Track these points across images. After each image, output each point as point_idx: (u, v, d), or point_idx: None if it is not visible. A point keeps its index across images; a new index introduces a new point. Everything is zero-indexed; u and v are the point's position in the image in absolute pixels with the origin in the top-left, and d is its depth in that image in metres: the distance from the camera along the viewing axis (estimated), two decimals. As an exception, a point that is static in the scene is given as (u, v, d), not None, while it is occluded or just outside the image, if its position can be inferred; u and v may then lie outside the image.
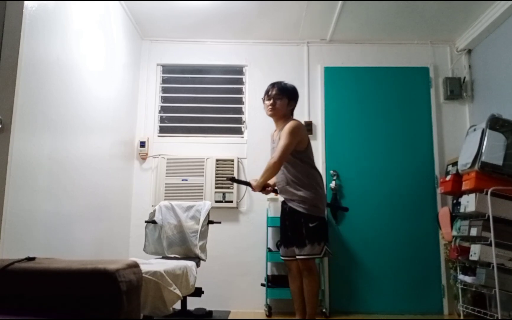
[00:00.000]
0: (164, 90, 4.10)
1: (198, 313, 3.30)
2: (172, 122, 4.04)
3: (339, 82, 3.99)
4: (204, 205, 3.24)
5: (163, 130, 4.02)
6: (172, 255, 3.12)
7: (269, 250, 3.59)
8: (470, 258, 2.91)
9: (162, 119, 4.04)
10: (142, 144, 3.87)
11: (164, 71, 4.12)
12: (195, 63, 4.10)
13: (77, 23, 2.64)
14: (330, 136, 3.90)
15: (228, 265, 3.71)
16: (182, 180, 3.79)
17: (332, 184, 3.77)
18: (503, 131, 2.93)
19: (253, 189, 2.60)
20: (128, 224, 3.74)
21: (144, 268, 1.89)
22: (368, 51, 4.06)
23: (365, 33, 3.95)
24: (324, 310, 3.52)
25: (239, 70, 4.10)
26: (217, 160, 3.82)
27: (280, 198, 2.71)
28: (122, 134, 3.60)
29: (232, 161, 3.83)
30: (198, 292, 2.95)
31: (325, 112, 3.93)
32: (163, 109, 4.06)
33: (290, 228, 2.56)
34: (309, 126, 3.86)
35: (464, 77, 3.93)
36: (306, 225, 2.45)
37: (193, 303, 3.27)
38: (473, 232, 2.91)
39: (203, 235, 3.15)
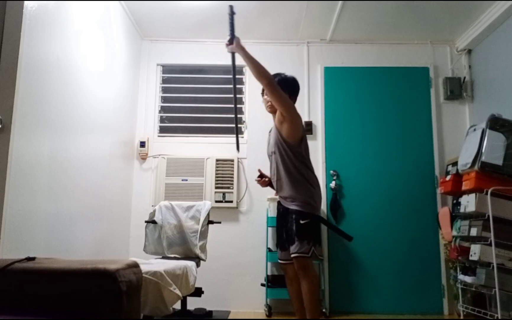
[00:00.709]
0: (164, 90, 4.10)
1: (198, 313, 3.31)
2: (172, 122, 4.04)
3: (339, 82, 3.99)
4: (204, 205, 3.24)
5: (163, 130, 4.02)
6: (172, 255, 3.12)
7: (269, 250, 3.59)
8: (470, 258, 2.91)
9: (162, 119, 4.04)
10: (142, 144, 3.87)
11: (164, 71, 4.12)
12: (195, 63, 4.10)
13: (77, 23, 2.64)
14: (330, 136, 3.90)
15: (228, 265, 3.71)
16: (182, 180, 3.80)
17: (332, 184, 3.77)
18: (503, 131, 2.93)
19: (229, 44, 2.53)
20: (128, 224, 3.74)
21: (144, 268, 1.89)
22: (368, 51, 4.06)
23: (365, 33, 3.95)
24: (324, 310, 3.52)
25: (239, 70, 4.08)
26: (217, 160, 3.83)
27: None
28: (122, 134, 3.60)
29: (232, 160, 3.83)
30: (198, 292, 2.95)
31: (325, 112, 3.93)
32: (163, 109, 4.06)
33: (285, 228, 2.47)
34: (309, 126, 3.86)
35: (464, 77, 3.93)
36: (297, 221, 2.35)
37: (193, 303, 3.27)
38: (473, 232, 2.91)
39: (203, 235, 3.15)
